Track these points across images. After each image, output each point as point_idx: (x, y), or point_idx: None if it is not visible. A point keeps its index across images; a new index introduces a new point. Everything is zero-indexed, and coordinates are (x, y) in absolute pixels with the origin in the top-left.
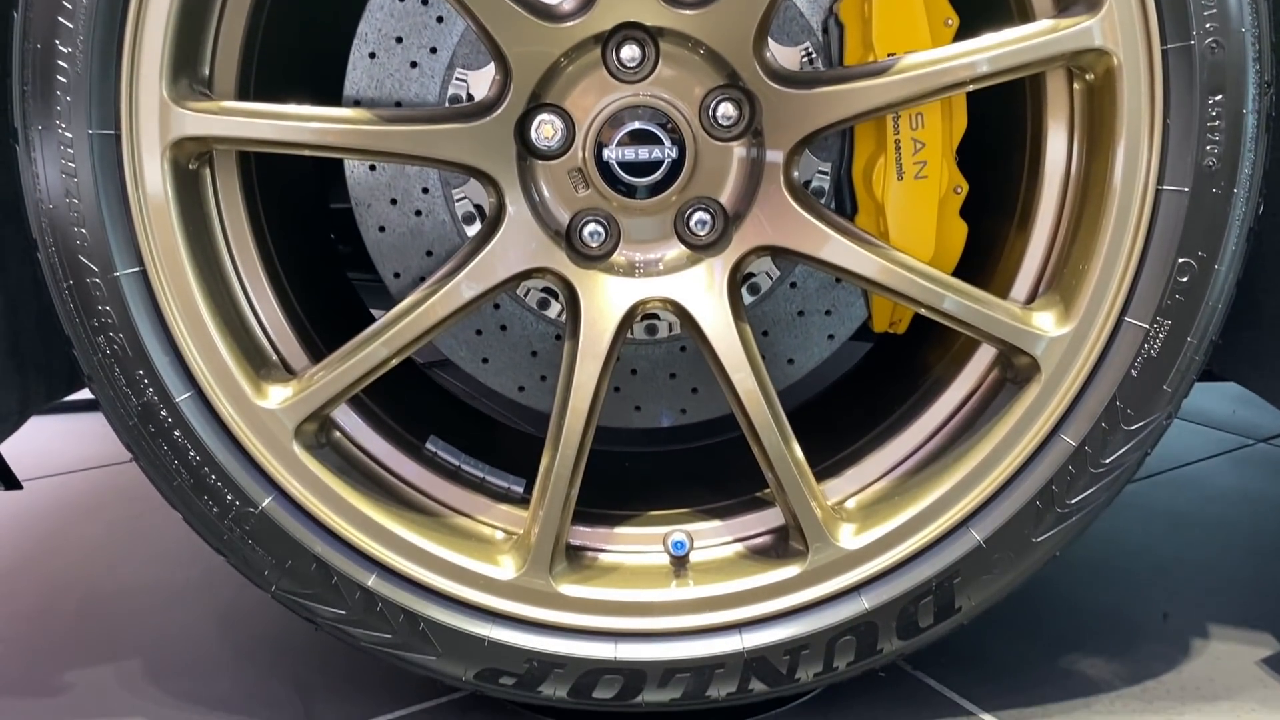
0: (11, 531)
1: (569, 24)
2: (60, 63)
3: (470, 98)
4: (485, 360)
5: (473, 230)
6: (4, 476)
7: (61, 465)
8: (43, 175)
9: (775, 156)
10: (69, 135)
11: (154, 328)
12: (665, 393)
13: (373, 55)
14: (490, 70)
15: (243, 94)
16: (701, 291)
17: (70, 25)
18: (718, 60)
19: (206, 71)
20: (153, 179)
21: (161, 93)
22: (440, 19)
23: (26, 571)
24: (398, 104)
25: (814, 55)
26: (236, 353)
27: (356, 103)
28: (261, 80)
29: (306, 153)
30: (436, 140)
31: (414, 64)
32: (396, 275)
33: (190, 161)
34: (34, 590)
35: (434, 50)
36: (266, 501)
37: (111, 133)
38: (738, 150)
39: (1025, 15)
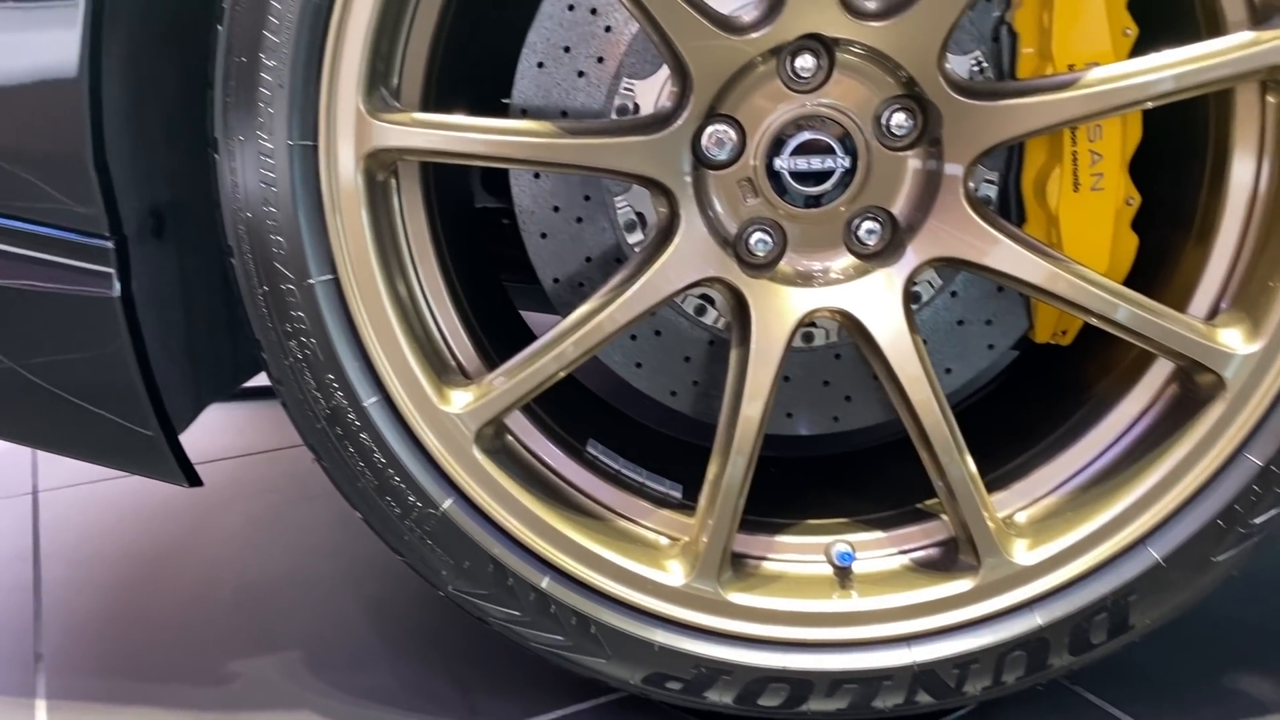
0: (155, 520)
1: (751, 36)
2: (264, 75)
3: (636, 107)
4: (639, 365)
5: (634, 238)
6: (186, 471)
7: (195, 455)
8: (242, 184)
9: (954, 168)
10: (269, 146)
11: (345, 333)
12: (818, 400)
13: (540, 65)
14: (657, 79)
15: (424, 104)
16: (876, 303)
17: (275, 39)
18: (896, 70)
19: (396, 83)
20: (348, 189)
21: (358, 105)
22: (608, 29)
23: (175, 560)
24: (564, 113)
25: (984, 64)
26: (420, 358)
27: (524, 111)
28: (440, 91)
29: (493, 164)
30: (616, 153)
31: (581, 73)
32: (556, 280)
33: (380, 171)
34: (186, 580)
35: (601, 60)
36: (447, 504)
37: (311, 143)
38: (912, 160)
39: (1215, 27)
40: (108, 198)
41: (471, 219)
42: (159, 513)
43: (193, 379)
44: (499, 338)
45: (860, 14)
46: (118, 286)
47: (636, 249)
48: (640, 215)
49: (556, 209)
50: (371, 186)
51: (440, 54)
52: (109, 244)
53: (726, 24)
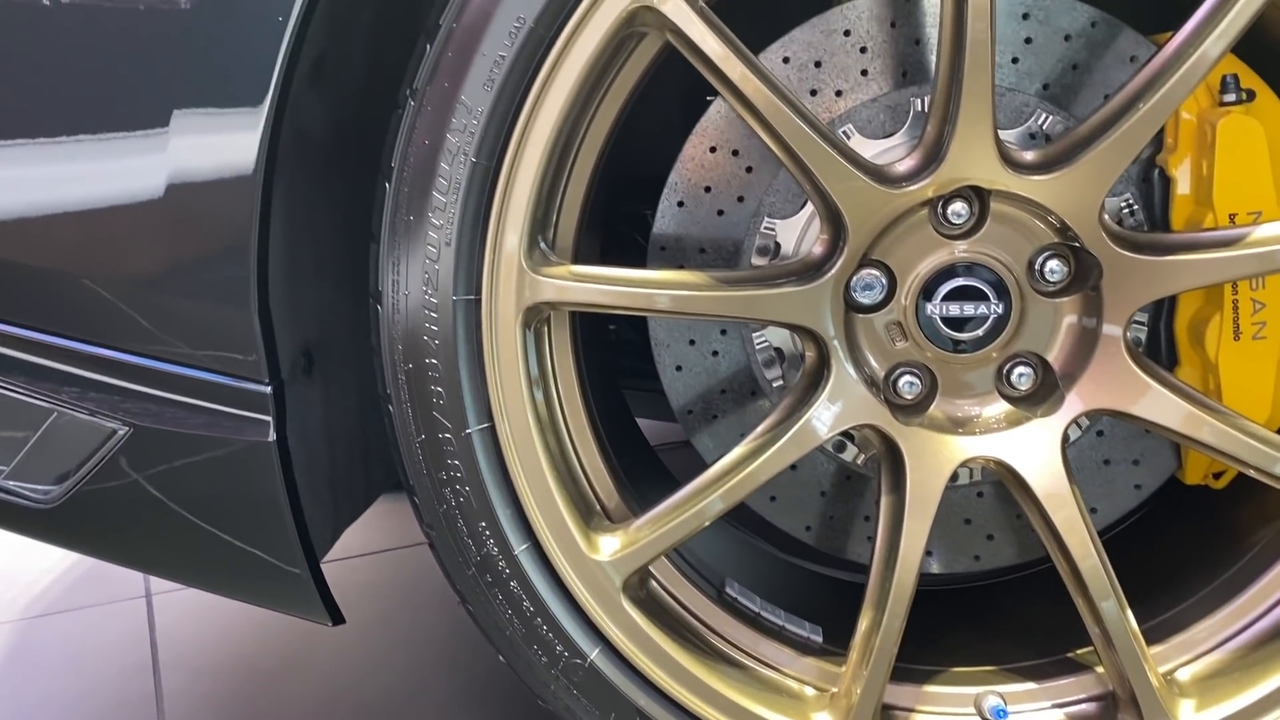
0: (270, 626)
1: (910, 188)
2: (431, 233)
3: (777, 246)
4: (773, 498)
5: (772, 374)
6: (330, 609)
7: None
8: (403, 336)
9: (1114, 319)
10: (434, 300)
11: (499, 481)
12: (959, 538)
13: (681, 204)
14: (799, 219)
15: (576, 253)
16: (1033, 452)
17: (443, 199)
18: (1053, 220)
19: (552, 235)
20: (507, 340)
21: (521, 261)
22: (750, 169)
23: (295, 673)
24: (701, 250)
25: (1134, 206)
26: (569, 503)
27: (663, 249)
28: (588, 235)
29: (647, 315)
30: (771, 304)
31: (720, 212)
32: (689, 412)
33: (535, 320)
34: (307, 697)
35: (741, 199)
36: (594, 654)
37: (474, 298)
38: (1068, 308)
39: None
40: (268, 343)
41: (604, 346)
42: (273, 618)
43: (332, 509)
44: (634, 469)
45: (1020, 167)
46: (274, 433)
47: (774, 384)
48: (779, 351)
49: (692, 342)
50: (526, 336)
51: (590, 201)
52: (267, 389)
53: (883, 176)
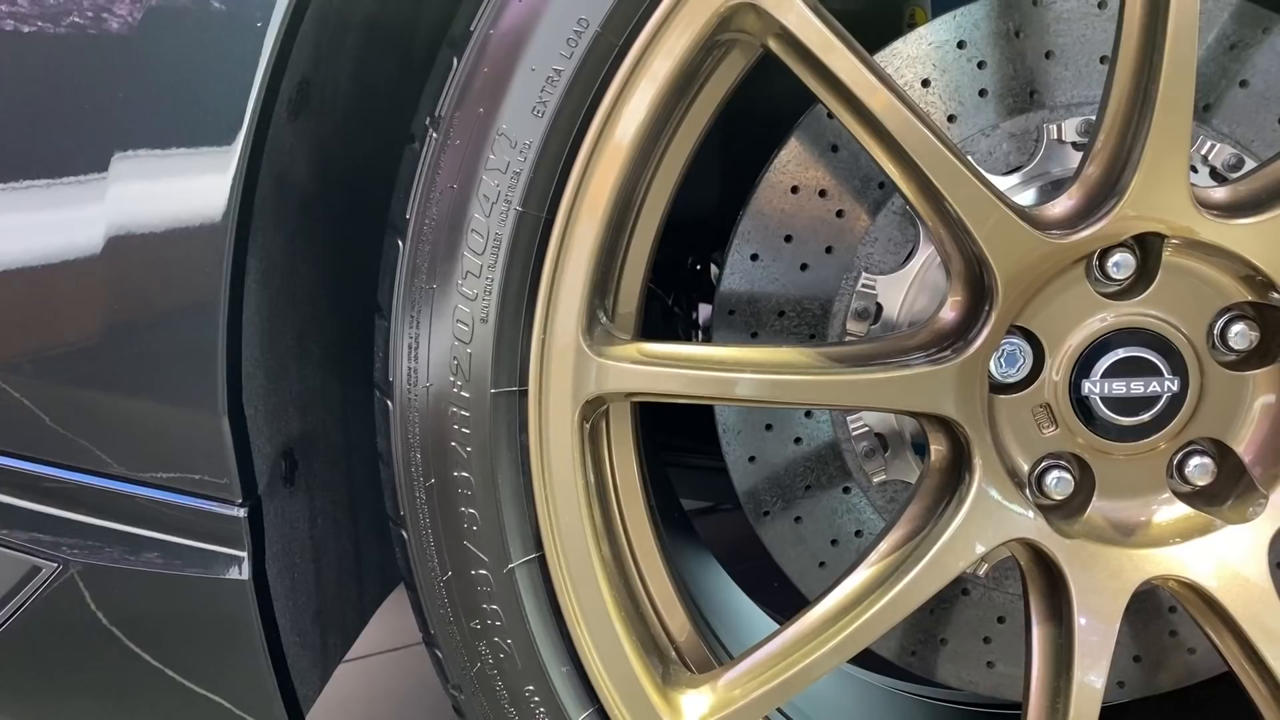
0: None
1: (1076, 236)
2: (461, 306)
3: (879, 308)
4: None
5: (873, 466)
6: None
7: None
8: (423, 441)
9: None
10: (465, 395)
11: (550, 629)
12: None
13: (755, 257)
14: (906, 275)
15: (639, 326)
16: (1228, 571)
17: (478, 261)
18: (1248, 274)
19: (612, 304)
20: (561, 444)
21: (579, 340)
22: (840, 213)
23: None
24: (780, 313)
25: None
26: (639, 652)
27: (731, 312)
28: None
29: (738, 405)
30: (899, 388)
31: (804, 266)
32: (766, 513)
33: (593, 415)
34: None
35: (829, 250)
36: None
37: (518, 390)
38: (1261, 383)
39: None
40: (241, 451)
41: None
42: None
43: (320, 648)
44: (693, 574)
45: (1214, 209)
46: (249, 568)
47: (874, 478)
48: (880, 437)
49: (769, 427)
50: (582, 435)
51: (655, 254)
52: (240, 513)
53: (1038, 220)
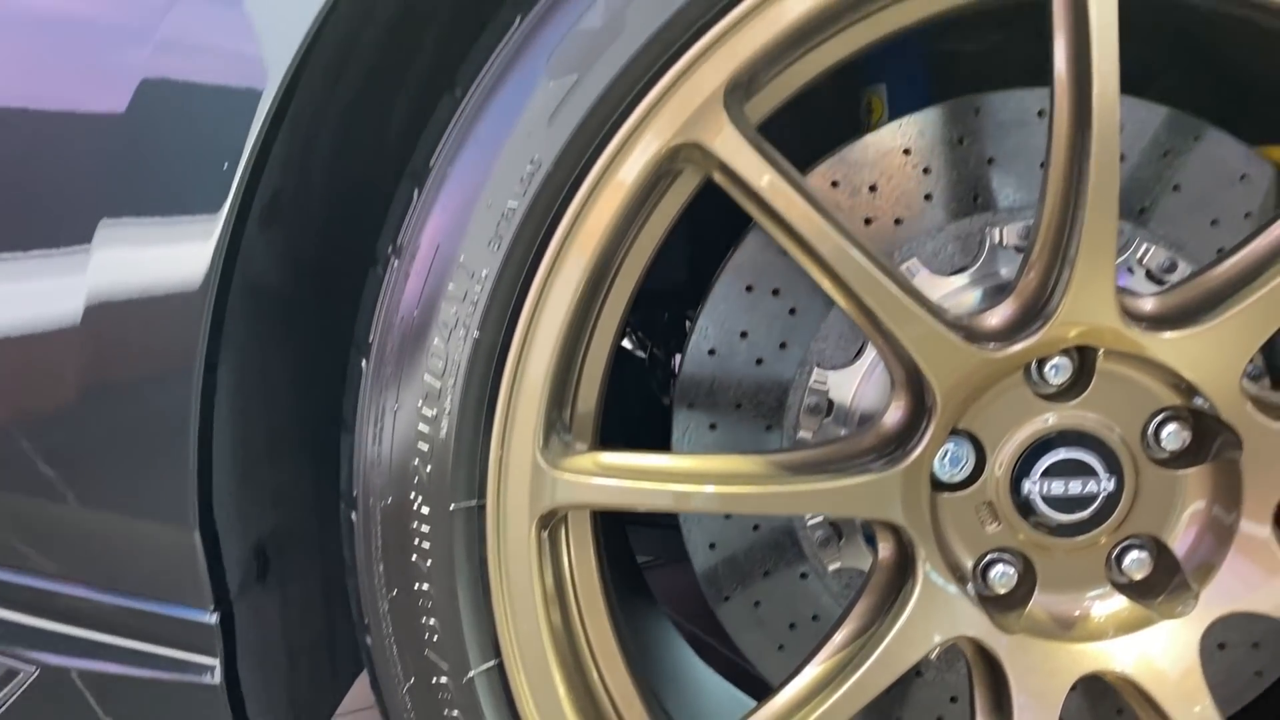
0: None
1: (1012, 348)
2: (421, 426)
3: (830, 404)
4: None
5: (828, 555)
6: None
7: None
8: (385, 556)
9: (1260, 502)
10: (425, 510)
11: None
12: None
13: (712, 351)
14: (856, 370)
15: (597, 434)
16: (1159, 664)
17: (437, 384)
18: (1178, 384)
19: (569, 413)
20: (519, 555)
21: (535, 456)
22: (793, 310)
23: None
24: (737, 405)
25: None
26: None
27: (689, 404)
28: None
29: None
30: (846, 496)
31: (759, 360)
32: (726, 598)
33: (553, 524)
34: None
35: (783, 345)
36: None
37: (477, 504)
38: (1193, 483)
39: None
40: (211, 555)
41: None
42: None
43: None
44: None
45: (1143, 321)
46: (220, 674)
47: (830, 567)
48: (834, 526)
49: (728, 515)
50: (542, 544)
51: (613, 362)
52: (211, 619)
53: (975, 333)
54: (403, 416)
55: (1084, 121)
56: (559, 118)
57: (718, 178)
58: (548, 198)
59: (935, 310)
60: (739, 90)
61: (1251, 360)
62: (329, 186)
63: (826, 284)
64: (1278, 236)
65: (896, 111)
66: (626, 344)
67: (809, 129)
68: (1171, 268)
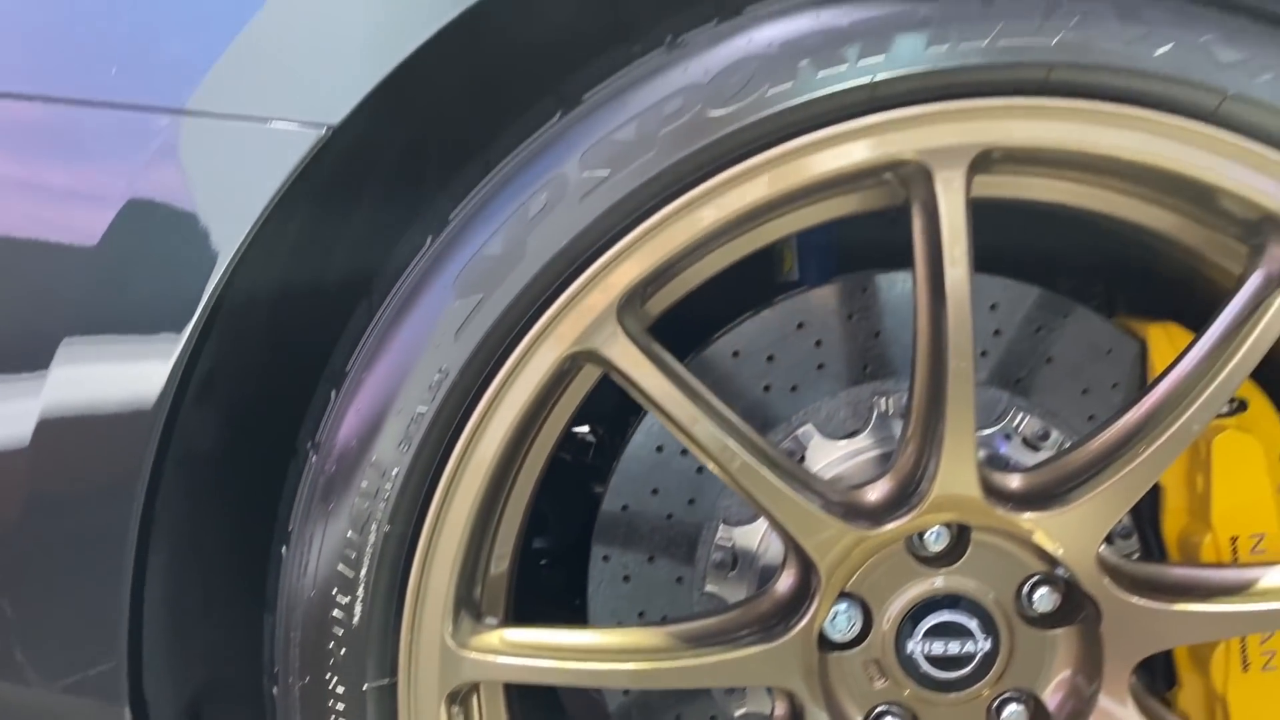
0: None
1: (886, 527)
2: (336, 612)
3: (735, 558)
4: None
5: (733, 701)
6: None
7: None
8: None
9: (1116, 667)
10: (340, 689)
11: None
12: None
13: (625, 507)
14: (760, 526)
15: (508, 609)
16: None
17: (350, 574)
18: (1043, 556)
19: (480, 591)
20: None
21: (444, 638)
22: (700, 470)
23: None
24: (650, 559)
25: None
26: None
27: (605, 558)
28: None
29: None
30: (741, 667)
31: (669, 515)
32: None
33: (466, 694)
34: None
35: (692, 501)
36: None
37: (388, 682)
38: (1063, 643)
39: None
40: None
41: None
42: None
43: None
44: None
45: (1007, 500)
46: None
47: (736, 713)
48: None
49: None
50: (452, 717)
51: (523, 538)
52: None
53: (856, 511)
54: (319, 602)
55: (939, 310)
56: (465, 332)
57: (613, 376)
58: (454, 403)
59: (814, 494)
60: (634, 299)
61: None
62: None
63: (713, 470)
64: (1123, 427)
65: (804, 264)
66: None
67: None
68: (1045, 435)
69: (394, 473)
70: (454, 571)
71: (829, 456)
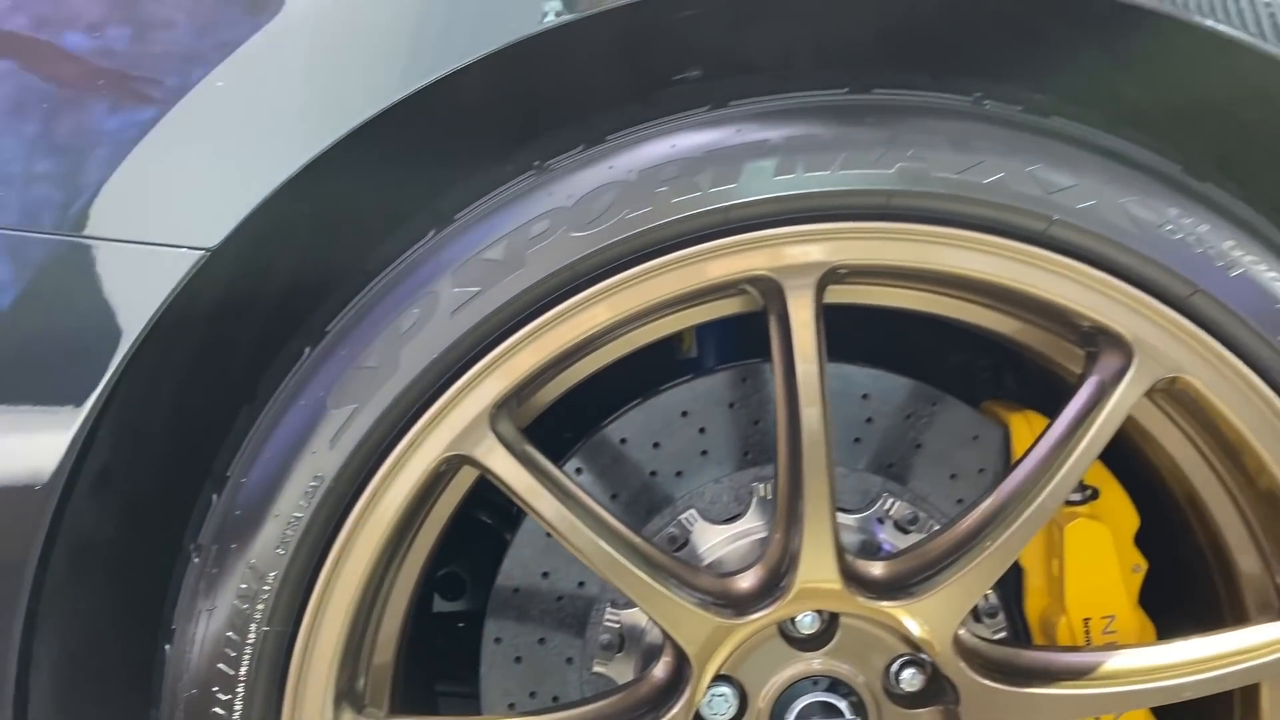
0: None
1: (754, 616)
2: (217, 709)
3: (621, 639)
4: None
5: None
6: None
7: None
8: None
9: None
10: None
11: None
12: None
13: (516, 590)
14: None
15: (395, 692)
16: None
17: (230, 671)
18: (906, 640)
19: (364, 681)
20: None
21: None
22: (582, 584)
23: None
24: (541, 640)
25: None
26: None
27: (497, 639)
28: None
29: None
30: None
31: (559, 598)
32: None
33: None
34: None
35: (581, 584)
36: None
37: None
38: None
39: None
40: None
41: None
42: None
43: None
44: None
45: (869, 588)
46: None
47: None
48: None
49: None
50: None
51: (406, 629)
52: None
53: (727, 599)
54: (200, 698)
55: (795, 404)
56: (340, 441)
57: (489, 477)
58: (329, 509)
59: (685, 586)
60: (508, 404)
61: (987, 596)
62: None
63: (586, 563)
64: (979, 514)
65: (703, 345)
66: None
67: None
68: (915, 519)
69: (271, 575)
70: (333, 667)
71: (711, 540)
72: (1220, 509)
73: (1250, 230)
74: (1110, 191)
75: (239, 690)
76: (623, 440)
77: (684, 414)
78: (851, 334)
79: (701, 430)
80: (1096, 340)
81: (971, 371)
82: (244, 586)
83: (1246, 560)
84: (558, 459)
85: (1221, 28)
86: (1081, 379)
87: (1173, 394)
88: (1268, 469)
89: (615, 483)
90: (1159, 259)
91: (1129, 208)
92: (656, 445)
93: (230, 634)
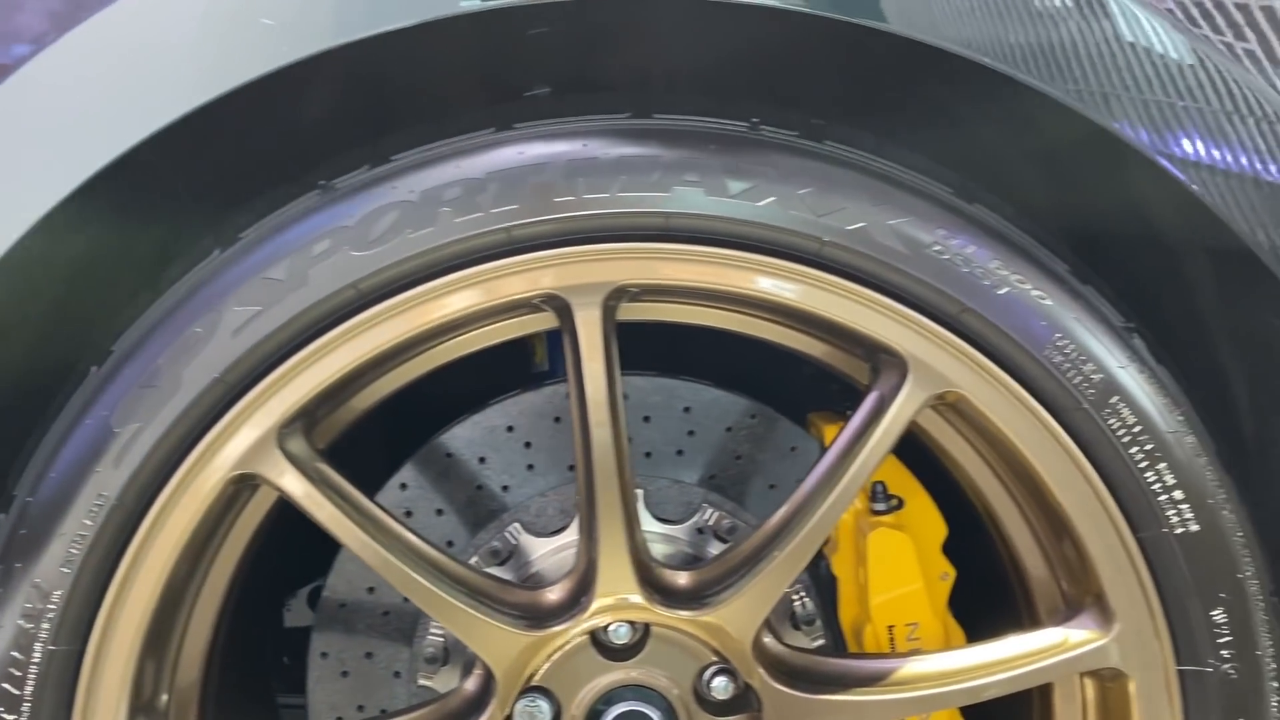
0: None
1: (559, 627)
2: None
3: (445, 652)
4: None
5: None
6: None
7: None
8: None
9: None
10: None
11: None
12: None
13: (343, 605)
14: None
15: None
16: None
17: (15, 692)
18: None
19: (164, 704)
20: None
21: None
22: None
23: None
24: (369, 655)
25: (805, 597)
26: None
27: (323, 654)
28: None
29: None
30: None
31: (385, 613)
32: None
33: None
34: None
35: (406, 599)
36: None
37: None
38: None
39: (1034, 620)
40: None
41: None
42: None
43: None
44: None
45: (671, 597)
46: None
47: None
48: None
49: None
50: None
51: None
52: None
53: (532, 612)
54: None
55: (585, 417)
56: (124, 459)
57: (285, 497)
58: (115, 527)
59: (487, 601)
60: (299, 423)
61: (802, 600)
62: None
63: (389, 581)
64: (774, 523)
65: (553, 357)
66: None
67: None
68: (734, 529)
69: (57, 594)
70: (124, 685)
71: (536, 553)
72: (1009, 518)
73: (1018, 250)
74: (879, 213)
75: (24, 709)
76: (449, 455)
77: (510, 429)
78: (710, 349)
79: (527, 445)
80: (877, 356)
81: (823, 384)
82: (29, 606)
83: (1035, 567)
84: None
85: (967, 53)
86: (866, 392)
87: (959, 410)
88: (1040, 479)
89: (444, 496)
90: (927, 278)
91: (898, 229)
92: (483, 460)
93: (15, 653)
